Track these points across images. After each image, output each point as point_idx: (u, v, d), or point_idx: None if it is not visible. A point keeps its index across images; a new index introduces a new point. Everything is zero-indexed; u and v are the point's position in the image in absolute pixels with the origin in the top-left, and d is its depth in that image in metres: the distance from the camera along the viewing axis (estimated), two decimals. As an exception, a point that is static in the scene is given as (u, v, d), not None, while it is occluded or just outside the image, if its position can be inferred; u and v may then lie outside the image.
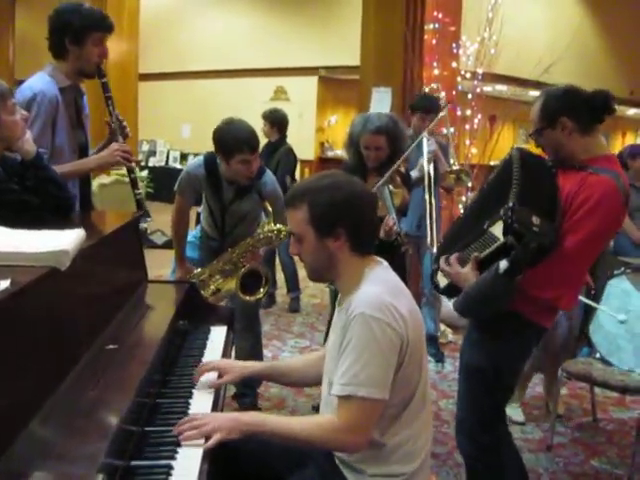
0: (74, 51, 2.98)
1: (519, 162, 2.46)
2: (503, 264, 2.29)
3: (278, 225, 3.44)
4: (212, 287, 3.52)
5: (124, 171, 3.51)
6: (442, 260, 2.57)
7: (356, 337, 1.82)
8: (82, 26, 2.94)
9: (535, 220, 2.29)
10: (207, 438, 1.79)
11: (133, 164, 3.19)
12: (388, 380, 1.83)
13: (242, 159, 3.33)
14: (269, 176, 3.63)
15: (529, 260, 2.29)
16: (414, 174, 4.17)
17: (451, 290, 2.59)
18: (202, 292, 3.49)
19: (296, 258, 6.40)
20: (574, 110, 2.42)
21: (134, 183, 3.19)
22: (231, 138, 3.33)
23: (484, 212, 2.48)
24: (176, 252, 3.77)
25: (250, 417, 1.93)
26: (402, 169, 3.58)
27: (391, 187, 3.41)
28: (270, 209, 3.80)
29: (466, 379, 2.68)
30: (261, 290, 3.49)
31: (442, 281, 2.65)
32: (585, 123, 2.43)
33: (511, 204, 2.30)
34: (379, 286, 1.90)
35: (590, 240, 2.36)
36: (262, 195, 3.57)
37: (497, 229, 2.37)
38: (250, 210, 3.59)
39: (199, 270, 3.60)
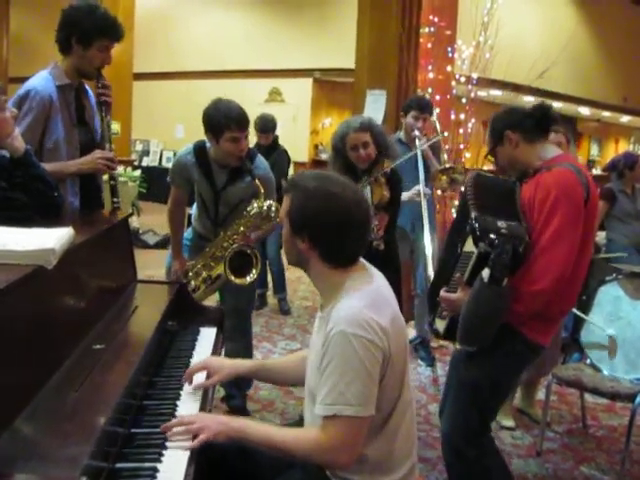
0: (78, 50, 2.99)
1: (472, 182, 2.59)
2: (485, 272, 2.30)
3: (269, 201, 3.39)
4: (204, 275, 3.48)
5: (120, 170, 3.51)
6: (441, 296, 2.57)
7: (338, 356, 1.78)
8: (92, 29, 2.95)
9: (501, 224, 2.34)
10: (194, 438, 1.78)
11: (115, 172, 3.20)
12: (373, 396, 1.80)
13: (231, 137, 3.29)
14: (261, 160, 3.59)
15: (508, 262, 2.28)
16: (404, 196, 4.12)
17: (451, 329, 2.55)
18: (193, 283, 3.47)
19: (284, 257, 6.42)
20: (516, 124, 2.58)
21: (114, 191, 3.19)
22: (220, 116, 3.29)
23: (457, 240, 2.55)
24: (172, 243, 3.75)
25: (239, 423, 1.91)
26: (387, 168, 3.57)
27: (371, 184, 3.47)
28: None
29: (457, 393, 2.65)
30: (253, 271, 3.43)
31: (440, 326, 2.65)
32: (529, 133, 2.57)
33: (473, 217, 2.38)
34: (360, 299, 1.85)
35: (562, 233, 2.36)
36: (254, 177, 3.44)
37: (470, 246, 2.40)
38: (243, 197, 3.51)
39: (192, 262, 3.57)
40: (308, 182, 1.94)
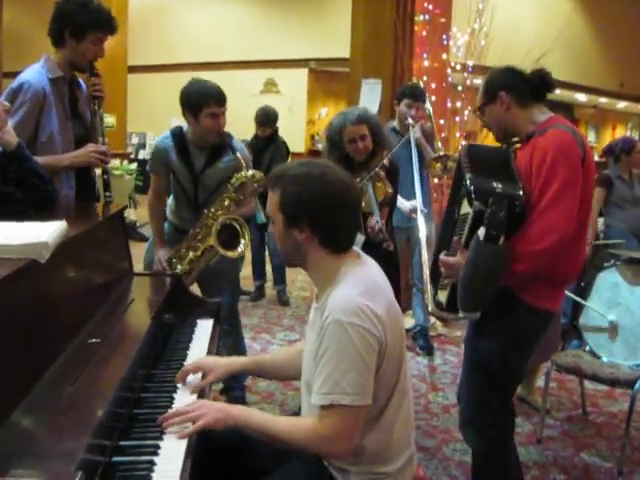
0: (71, 44, 2.99)
1: (465, 152, 2.56)
2: (481, 231, 2.29)
3: (251, 171, 3.37)
4: (190, 256, 3.43)
5: (116, 163, 3.50)
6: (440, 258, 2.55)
7: (334, 344, 1.77)
8: (85, 22, 2.94)
9: (496, 184, 2.34)
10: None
11: (107, 166, 3.21)
12: (370, 385, 1.79)
13: (210, 112, 3.31)
14: (237, 141, 3.58)
15: (504, 219, 2.27)
16: (399, 204, 4.10)
17: (452, 299, 2.52)
18: (180, 267, 3.44)
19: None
20: (512, 86, 2.53)
21: (106, 184, 3.20)
22: (198, 93, 3.32)
23: (454, 206, 2.55)
24: (154, 232, 3.70)
25: (237, 411, 1.90)
26: (386, 162, 3.54)
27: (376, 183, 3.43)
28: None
29: (471, 371, 2.62)
30: (242, 242, 3.39)
31: (442, 298, 2.62)
32: (523, 97, 2.53)
33: (467, 180, 2.38)
34: (355, 287, 1.83)
35: (562, 193, 2.32)
36: (234, 150, 3.42)
37: (465, 208, 2.41)
38: (221, 180, 3.48)
39: (175, 248, 3.53)
40: (295, 170, 1.92)
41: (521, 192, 2.33)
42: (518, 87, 2.53)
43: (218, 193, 3.46)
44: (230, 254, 3.39)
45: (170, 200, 3.75)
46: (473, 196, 2.34)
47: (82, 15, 2.93)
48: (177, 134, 3.52)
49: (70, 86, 3.13)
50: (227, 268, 3.63)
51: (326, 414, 1.79)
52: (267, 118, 6.14)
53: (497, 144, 2.70)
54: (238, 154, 3.37)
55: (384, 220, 3.43)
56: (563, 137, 2.38)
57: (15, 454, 1.38)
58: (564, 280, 2.58)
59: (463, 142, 6.42)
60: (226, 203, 3.38)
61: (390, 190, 3.50)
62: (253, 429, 1.86)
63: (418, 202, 4.26)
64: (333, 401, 1.76)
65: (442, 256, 2.53)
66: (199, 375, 2.16)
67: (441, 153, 4.76)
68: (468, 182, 2.37)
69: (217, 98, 3.33)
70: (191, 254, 3.44)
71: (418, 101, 4.74)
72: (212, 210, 3.40)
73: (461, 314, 2.57)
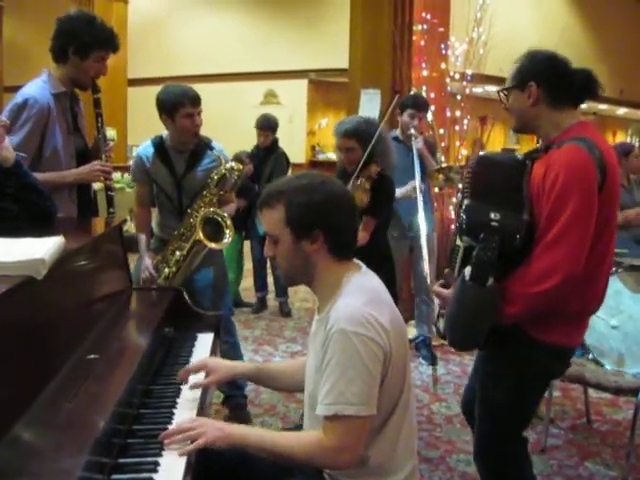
0: (74, 61, 3.01)
1: (475, 163, 2.30)
2: (467, 269, 2.11)
3: (230, 163, 3.46)
4: (177, 256, 3.44)
5: (117, 176, 3.51)
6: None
7: (338, 354, 1.75)
8: (90, 41, 2.98)
9: (494, 215, 2.09)
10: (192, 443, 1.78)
11: (111, 182, 3.24)
12: (374, 395, 1.78)
13: (186, 113, 3.38)
14: (216, 143, 3.61)
15: (494, 259, 2.06)
16: (399, 192, 4.15)
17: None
18: (167, 270, 3.45)
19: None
20: (546, 79, 2.22)
21: (110, 200, 3.24)
22: (172, 94, 3.40)
23: (456, 234, 2.34)
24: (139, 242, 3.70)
25: (238, 430, 1.88)
26: (374, 174, 3.58)
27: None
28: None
29: (482, 411, 2.42)
30: (226, 232, 3.41)
31: (441, 324, 2.46)
32: (557, 96, 2.23)
33: (464, 206, 2.17)
34: (359, 296, 1.83)
35: (570, 226, 2.07)
36: (211, 148, 3.49)
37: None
38: (203, 183, 3.51)
39: (161, 253, 3.54)
40: (295, 182, 1.92)
41: (525, 218, 2.10)
42: (554, 83, 2.21)
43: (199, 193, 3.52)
44: (217, 246, 3.44)
45: (156, 213, 3.78)
46: (464, 227, 2.14)
47: (87, 33, 2.95)
48: (157, 142, 3.59)
49: (70, 101, 3.14)
50: (218, 281, 3.70)
51: (330, 425, 1.78)
52: (267, 122, 6.17)
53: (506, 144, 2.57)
54: (215, 151, 3.46)
55: (367, 232, 3.51)
56: (578, 157, 2.09)
57: (13, 471, 1.37)
58: (583, 312, 2.31)
59: (464, 151, 6.43)
60: (207, 200, 3.44)
61: (365, 199, 3.55)
62: (255, 448, 1.84)
63: (417, 182, 4.31)
64: (337, 411, 1.75)
65: (436, 287, 2.39)
66: (201, 375, 2.17)
67: (443, 165, 4.79)
68: (463, 210, 2.16)
69: (191, 99, 3.41)
70: (177, 254, 3.46)
71: (421, 112, 4.77)
72: (195, 207, 3.45)
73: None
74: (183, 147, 3.53)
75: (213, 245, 3.40)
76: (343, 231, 1.92)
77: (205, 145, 3.48)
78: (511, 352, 2.26)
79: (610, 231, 2.23)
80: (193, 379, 2.17)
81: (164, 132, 3.58)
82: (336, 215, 1.89)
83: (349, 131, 3.54)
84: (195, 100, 3.42)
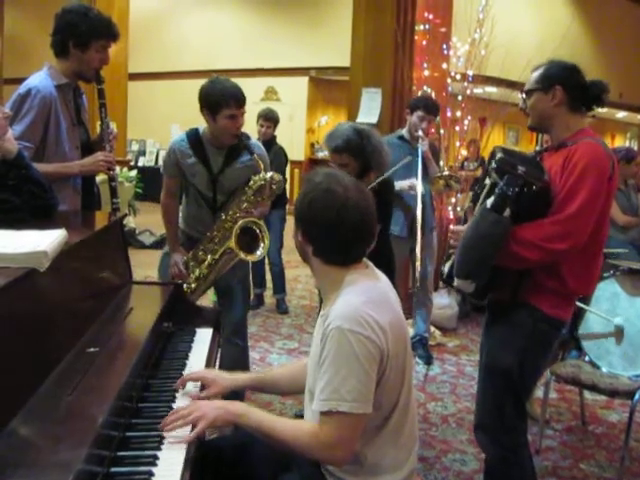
0: (76, 54, 3.00)
1: (499, 149, 2.57)
2: (490, 199, 2.38)
3: (270, 173, 3.33)
4: (208, 260, 3.38)
5: (117, 170, 3.48)
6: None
7: (334, 351, 1.77)
8: (88, 31, 2.96)
9: (521, 167, 2.39)
10: (193, 428, 1.79)
11: (115, 173, 3.22)
12: (370, 394, 1.79)
13: (229, 114, 3.25)
14: (255, 141, 3.56)
15: (513, 196, 2.34)
16: (398, 186, 4.13)
17: (452, 270, 2.58)
18: (198, 271, 3.40)
19: (285, 258, 6.41)
20: (571, 85, 2.52)
21: (114, 191, 3.23)
22: (218, 92, 3.27)
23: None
24: (169, 236, 3.64)
25: (236, 407, 1.91)
26: (373, 182, 3.41)
27: None
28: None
29: (487, 378, 2.66)
30: (261, 245, 3.32)
31: (447, 266, 2.68)
32: (576, 101, 2.54)
33: (497, 155, 2.47)
34: (359, 296, 1.84)
35: (589, 202, 2.37)
36: (252, 152, 3.36)
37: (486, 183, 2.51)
38: (240, 181, 3.42)
39: (192, 251, 3.48)
40: (316, 176, 1.94)
41: (546, 178, 2.39)
42: (576, 89, 2.53)
43: (235, 195, 3.42)
44: (249, 258, 3.34)
45: (182, 208, 3.69)
46: (494, 165, 2.43)
47: (84, 24, 2.95)
48: (193, 135, 3.47)
49: (73, 93, 3.14)
50: (242, 277, 3.63)
51: (325, 420, 1.79)
52: (272, 114, 6.14)
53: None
54: (255, 155, 3.33)
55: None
56: (597, 149, 2.43)
57: (12, 464, 1.37)
58: (576, 291, 2.60)
59: (464, 152, 6.44)
60: (244, 206, 3.33)
61: None
62: (252, 426, 1.85)
63: (418, 186, 4.33)
64: (331, 407, 1.76)
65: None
66: (198, 384, 2.16)
67: (445, 172, 4.80)
68: (497, 157, 2.45)
69: (237, 99, 3.28)
70: (209, 257, 3.39)
71: (431, 115, 4.76)
72: (230, 213, 3.35)
73: (455, 282, 2.57)
74: (221, 144, 3.42)
75: (244, 256, 3.30)
76: (327, 244, 1.91)
77: (244, 146, 3.35)
78: (519, 323, 2.53)
79: (606, 218, 2.53)
80: (188, 389, 2.14)
81: (200, 126, 3.46)
82: (318, 227, 1.89)
83: (339, 147, 3.18)
84: (241, 101, 3.30)
